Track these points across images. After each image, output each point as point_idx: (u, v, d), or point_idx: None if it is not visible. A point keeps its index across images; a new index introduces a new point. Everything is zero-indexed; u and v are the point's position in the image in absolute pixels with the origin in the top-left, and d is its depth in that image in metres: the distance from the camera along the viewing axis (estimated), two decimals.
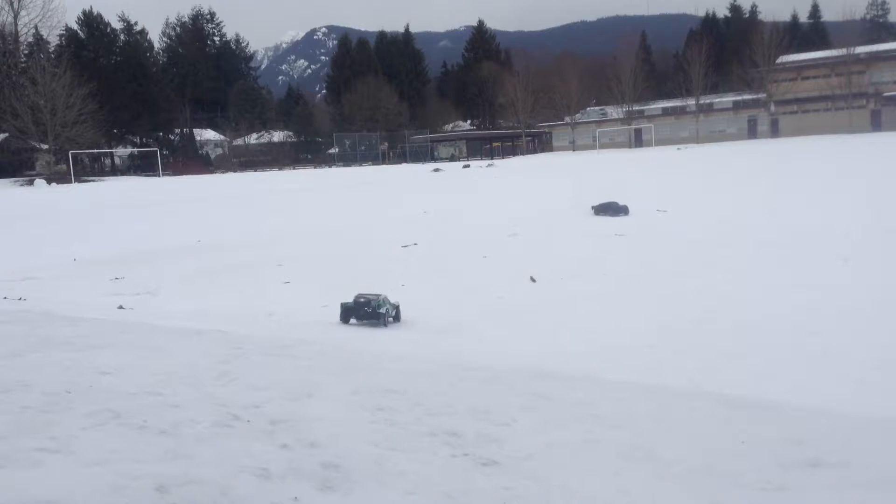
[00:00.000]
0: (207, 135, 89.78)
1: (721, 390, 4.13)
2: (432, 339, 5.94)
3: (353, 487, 2.81)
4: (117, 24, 78.80)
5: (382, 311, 6.56)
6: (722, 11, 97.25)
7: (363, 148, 77.11)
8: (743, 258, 8.89)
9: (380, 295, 6.71)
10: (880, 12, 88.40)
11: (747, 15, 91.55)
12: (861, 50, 63.68)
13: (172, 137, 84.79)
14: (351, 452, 3.15)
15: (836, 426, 3.56)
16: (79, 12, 75.92)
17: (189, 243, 13.37)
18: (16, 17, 63.22)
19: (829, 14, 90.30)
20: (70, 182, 50.27)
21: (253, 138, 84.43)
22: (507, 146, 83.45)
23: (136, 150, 76.56)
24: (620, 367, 4.72)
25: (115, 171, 72.21)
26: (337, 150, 76.91)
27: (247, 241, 13.33)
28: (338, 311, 6.85)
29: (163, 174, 60.35)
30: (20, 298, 8.15)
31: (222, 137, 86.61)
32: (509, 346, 5.59)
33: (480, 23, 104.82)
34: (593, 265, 8.93)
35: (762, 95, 68.15)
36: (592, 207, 14.46)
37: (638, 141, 75.26)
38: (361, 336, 6.16)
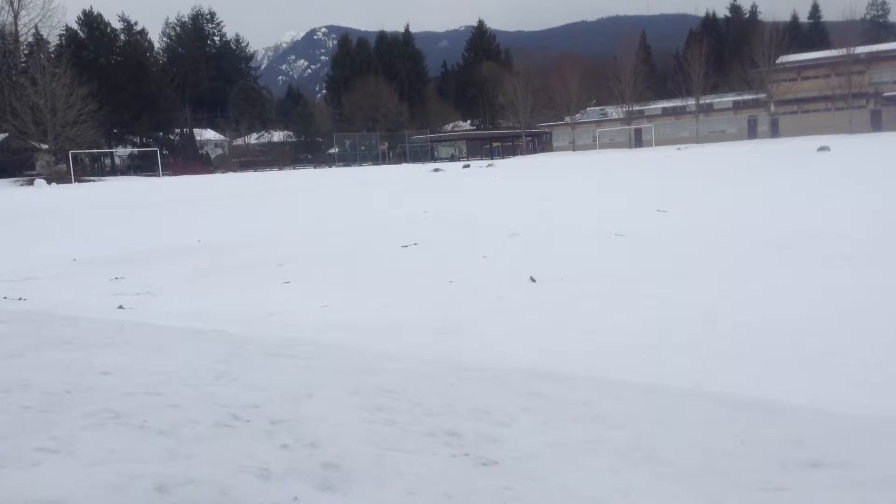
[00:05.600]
0: (207, 135, 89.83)
1: (721, 390, 4.13)
2: (432, 340, 5.93)
3: (353, 487, 2.81)
4: (117, 24, 78.90)
5: None
6: (722, 11, 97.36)
7: (363, 148, 77.14)
8: (743, 258, 8.87)
9: None
10: (880, 12, 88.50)
11: (747, 15, 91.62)
12: (861, 50, 63.73)
13: (172, 137, 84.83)
14: (351, 452, 3.15)
15: (836, 426, 3.56)
16: (79, 12, 76.01)
17: (189, 243, 13.36)
18: (16, 17, 63.28)
19: (829, 14, 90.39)
20: (70, 182, 50.27)
21: (253, 138, 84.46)
22: (507, 146, 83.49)
23: (136, 150, 76.61)
24: (620, 367, 4.71)
25: (115, 171, 72.23)
26: (337, 150, 76.93)
27: (247, 241, 13.32)
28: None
29: (163, 174, 60.32)
30: (20, 298, 8.15)
31: (222, 137, 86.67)
32: (509, 346, 5.58)
33: (480, 23, 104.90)
34: (593, 265, 8.92)
35: (762, 95, 68.20)
36: None
37: (638, 141, 75.28)
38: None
